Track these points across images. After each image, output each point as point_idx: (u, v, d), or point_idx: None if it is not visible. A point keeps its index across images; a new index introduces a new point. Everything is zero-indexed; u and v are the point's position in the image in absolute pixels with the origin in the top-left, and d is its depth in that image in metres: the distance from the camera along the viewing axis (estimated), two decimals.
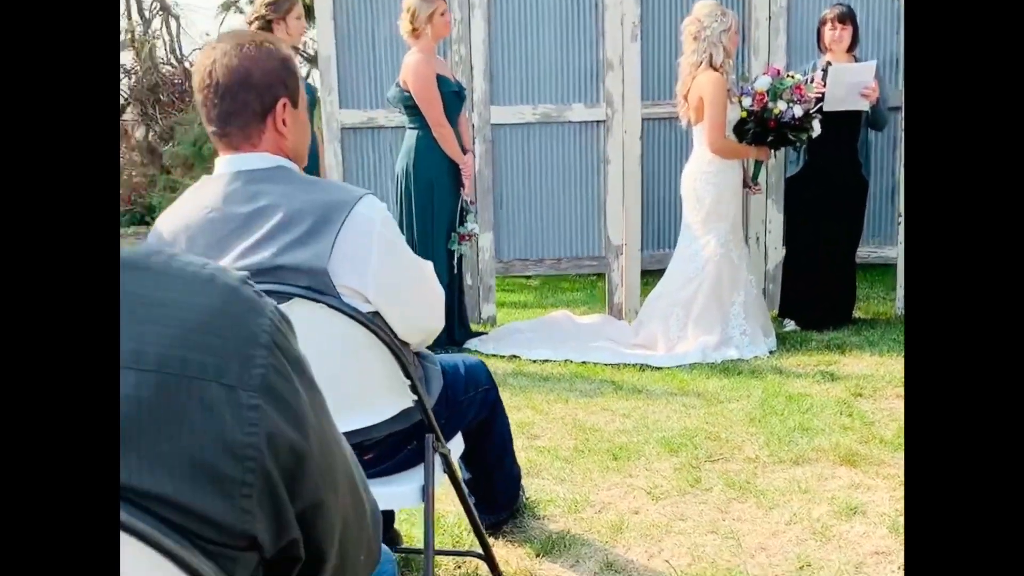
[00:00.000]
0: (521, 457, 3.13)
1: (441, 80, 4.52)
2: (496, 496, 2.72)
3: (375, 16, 5.25)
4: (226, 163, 1.83)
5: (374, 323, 1.91)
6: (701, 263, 4.71)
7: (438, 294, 2.14)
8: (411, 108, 4.53)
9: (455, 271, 4.76)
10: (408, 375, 2.02)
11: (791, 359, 4.52)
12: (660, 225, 5.56)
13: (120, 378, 0.82)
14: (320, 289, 1.81)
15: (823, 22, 5.05)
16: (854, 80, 4.85)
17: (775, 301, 5.39)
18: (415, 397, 2.06)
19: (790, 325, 5.16)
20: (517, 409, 3.77)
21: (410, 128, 4.60)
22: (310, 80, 4.60)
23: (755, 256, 5.51)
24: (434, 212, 4.59)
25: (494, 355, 4.66)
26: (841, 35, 4.97)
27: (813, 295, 5.14)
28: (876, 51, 5.35)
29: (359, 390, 2.06)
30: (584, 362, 4.56)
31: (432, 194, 4.57)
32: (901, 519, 2.74)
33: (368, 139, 5.36)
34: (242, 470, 0.89)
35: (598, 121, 5.42)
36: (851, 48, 5.03)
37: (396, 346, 1.97)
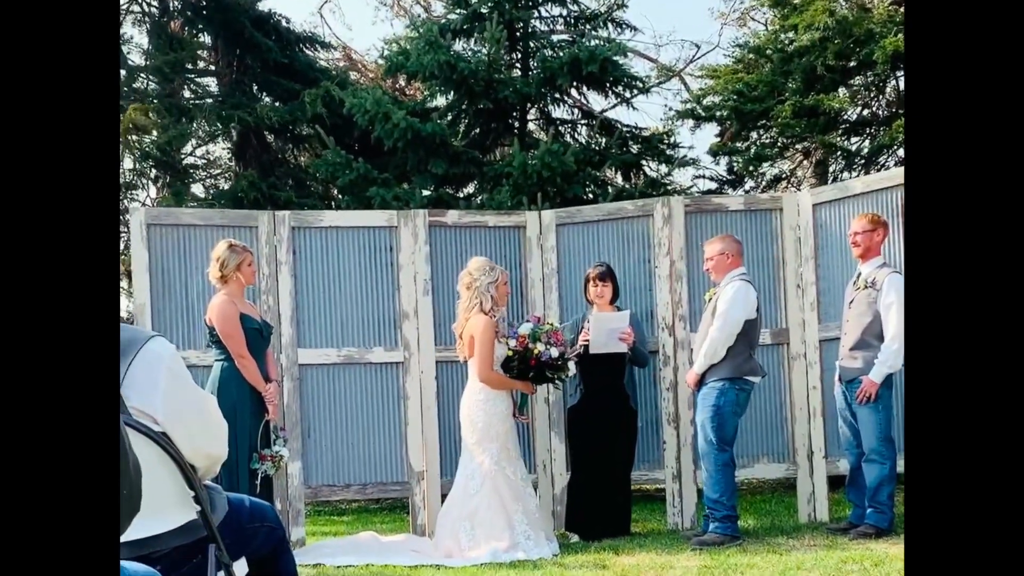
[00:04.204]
0: None
1: (245, 318, 5.05)
2: None
3: (188, 269, 5.83)
4: None
5: (161, 438, 2.32)
6: (480, 480, 5.23)
7: (221, 424, 2.57)
8: (216, 342, 5.02)
9: (257, 491, 5.00)
10: (192, 486, 2.40)
11: (570, 558, 4.98)
12: (456, 453, 6.04)
13: None
14: None
15: (587, 280, 5.95)
16: (613, 327, 5.70)
17: (562, 520, 5.90)
18: (199, 508, 2.43)
19: (574, 538, 5.64)
20: None
21: (216, 360, 5.05)
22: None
23: (542, 481, 6.07)
24: (236, 435, 4.93)
25: (298, 564, 4.87)
26: (602, 290, 5.87)
27: (594, 512, 5.68)
28: (634, 304, 6.27)
29: (147, 500, 2.40)
30: (385, 564, 4.89)
31: (235, 418, 4.93)
32: None
33: None
34: None
35: (397, 363, 6.05)
36: (612, 300, 5.93)
37: (182, 459, 2.37)
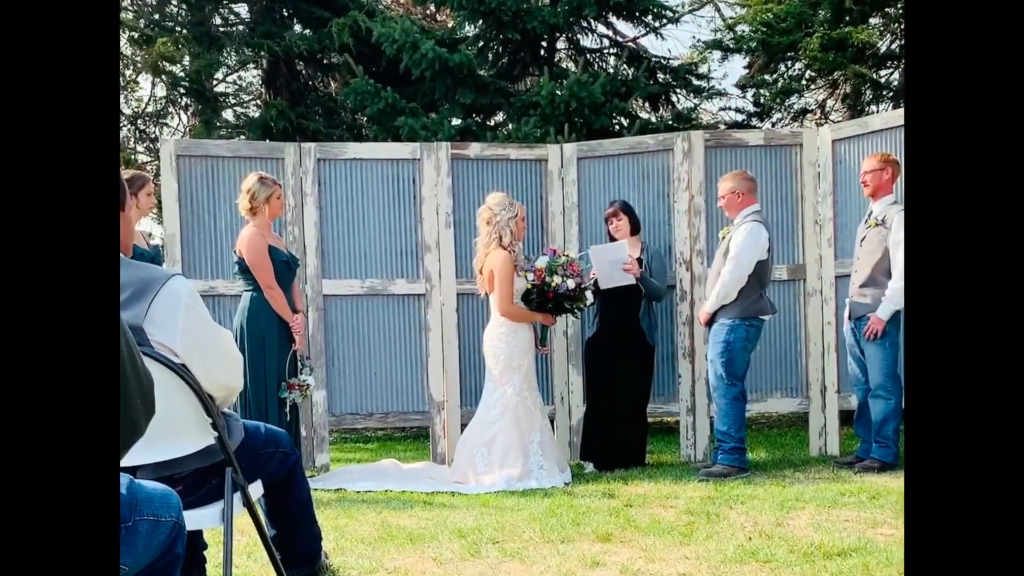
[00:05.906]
0: (329, 541, 3.62)
1: (273, 250, 5.19)
2: (297, 552, 3.18)
3: (216, 200, 6.00)
4: None
5: (181, 369, 2.49)
6: (501, 409, 5.41)
7: (236, 357, 2.73)
8: (245, 273, 5.18)
9: (287, 419, 5.22)
10: (210, 413, 2.58)
11: (581, 487, 5.17)
12: (475, 383, 6.24)
13: None
14: (138, 341, 2.40)
15: (606, 217, 6.05)
16: (613, 258, 5.77)
17: (577, 450, 6.08)
18: (216, 434, 2.61)
19: (589, 467, 5.82)
20: (334, 518, 4.26)
21: (245, 291, 5.22)
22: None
23: (560, 412, 6.26)
24: (265, 364, 5.14)
25: (320, 489, 5.13)
26: (617, 225, 5.96)
27: (609, 442, 5.84)
28: (653, 239, 6.33)
29: (168, 426, 2.59)
30: (403, 491, 5.11)
31: (263, 348, 5.13)
32: (634, 569, 3.36)
33: (208, 305, 5.94)
34: None
35: (419, 294, 6.21)
36: (633, 233, 6.01)
37: (199, 388, 2.54)
